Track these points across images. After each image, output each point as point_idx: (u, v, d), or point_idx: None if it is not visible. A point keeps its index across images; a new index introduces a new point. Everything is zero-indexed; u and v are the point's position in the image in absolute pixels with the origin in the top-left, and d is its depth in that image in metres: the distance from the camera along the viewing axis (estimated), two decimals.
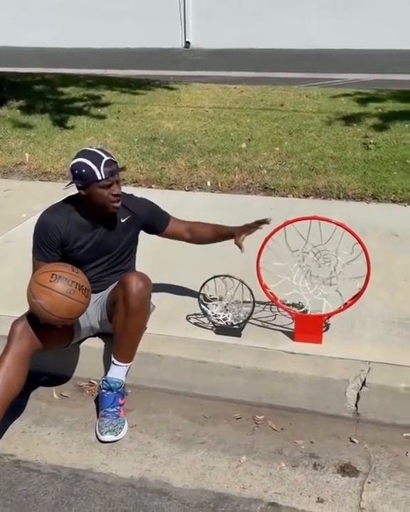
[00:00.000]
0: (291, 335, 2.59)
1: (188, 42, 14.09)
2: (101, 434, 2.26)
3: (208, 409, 2.44)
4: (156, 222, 2.58)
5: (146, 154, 5.13)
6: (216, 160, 4.95)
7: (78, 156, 2.30)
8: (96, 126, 5.97)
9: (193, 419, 2.40)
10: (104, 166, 2.24)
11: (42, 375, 2.63)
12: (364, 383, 2.31)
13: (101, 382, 2.34)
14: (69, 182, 2.36)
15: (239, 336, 2.59)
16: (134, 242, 2.56)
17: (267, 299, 2.61)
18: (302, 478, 2.11)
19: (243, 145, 5.25)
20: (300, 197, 4.34)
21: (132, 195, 2.55)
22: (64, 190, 2.44)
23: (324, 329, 2.58)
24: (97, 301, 2.54)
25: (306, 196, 4.36)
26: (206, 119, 6.13)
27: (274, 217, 3.65)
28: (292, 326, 2.60)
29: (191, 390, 2.50)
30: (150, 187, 4.63)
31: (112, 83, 7.84)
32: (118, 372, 2.31)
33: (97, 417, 2.35)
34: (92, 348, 2.60)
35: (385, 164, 4.79)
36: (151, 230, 2.58)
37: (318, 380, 2.37)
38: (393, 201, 4.25)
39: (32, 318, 2.28)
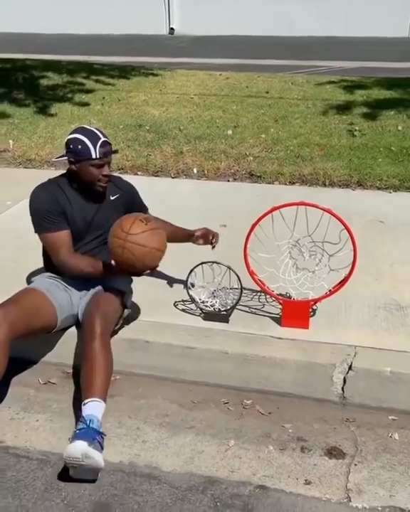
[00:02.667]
0: (278, 320, 2.60)
1: (172, 28, 13.97)
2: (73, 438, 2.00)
3: (196, 395, 2.45)
4: (138, 208, 2.58)
5: (132, 141, 5.15)
6: (202, 147, 4.97)
7: (76, 131, 2.33)
8: (81, 113, 5.95)
9: (181, 404, 2.40)
10: (100, 146, 2.28)
11: (29, 363, 2.62)
12: (350, 367, 2.33)
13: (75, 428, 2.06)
14: (61, 154, 2.38)
15: (227, 321, 2.60)
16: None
17: (255, 286, 2.61)
18: (289, 461, 2.13)
19: (229, 132, 5.32)
20: (286, 184, 4.35)
21: (120, 177, 2.59)
22: (54, 160, 2.42)
23: (311, 315, 2.60)
24: (84, 293, 2.53)
25: (292, 183, 4.37)
26: (192, 105, 6.13)
27: (260, 205, 3.66)
28: (280, 312, 2.61)
29: (180, 375, 2.50)
30: (136, 174, 4.61)
31: (95, 70, 7.80)
32: (93, 408, 2.07)
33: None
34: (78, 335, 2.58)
35: (370, 151, 4.82)
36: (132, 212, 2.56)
37: (305, 365, 2.38)
38: (379, 188, 4.28)
39: (10, 304, 2.27)
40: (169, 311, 2.66)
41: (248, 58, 10.08)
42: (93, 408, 2.08)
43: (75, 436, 1.99)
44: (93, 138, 2.29)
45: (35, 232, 2.41)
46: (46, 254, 2.54)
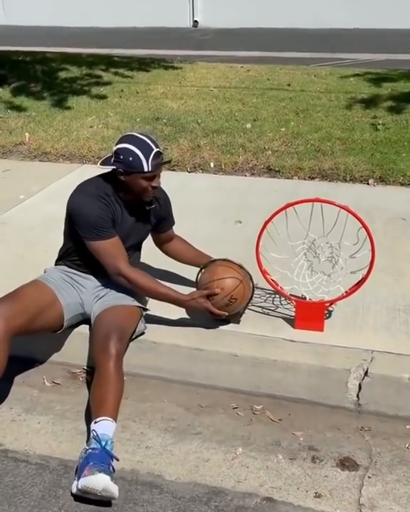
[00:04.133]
0: (291, 322, 2.53)
1: (196, 21, 13.85)
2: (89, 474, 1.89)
3: (204, 399, 2.38)
4: (168, 220, 2.60)
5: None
6: (220, 141, 4.89)
7: (127, 141, 2.25)
8: (98, 106, 5.89)
9: (188, 408, 2.34)
10: (153, 159, 2.22)
11: (34, 362, 2.57)
12: (366, 373, 2.25)
13: (86, 446, 2.00)
14: (108, 161, 2.31)
15: (238, 322, 2.54)
16: (149, 232, 2.57)
17: (268, 286, 2.55)
18: (299, 471, 2.04)
19: (248, 125, 5.18)
20: (305, 179, 4.26)
21: (160, 187, 2.50)
22: (100, 167, 2.36)
23: (326, 316, 2.52)
24: (97, 293, 2.47)
25: (312, 178, 4.28)
26: (211, 98, 6.05)
27: (278, 200, 3.57)
28: (293, 313, 2.54)
29: (187, 378, 2.44)
30: None
31: (115, 62, 7.72)
32: (106, 427, 2.01)
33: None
34: (86, 334, 2.52)
35: (394, 146, 4.68)
36: (158, 226, 2.58)
37: (319, 370, 2.31)
38: (402, 184, 4.14)
39: (11, 298, 2.21)
40: (177, 310, 2.58)
41: (272, 51, 9.94)
42: (106, 427, 2.02)
43: (94, 464, 1.90)
44: (146, 149, 2.22)
45: (88, 240, 2.32)
46: (68, 248, 2.48)
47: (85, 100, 6.04)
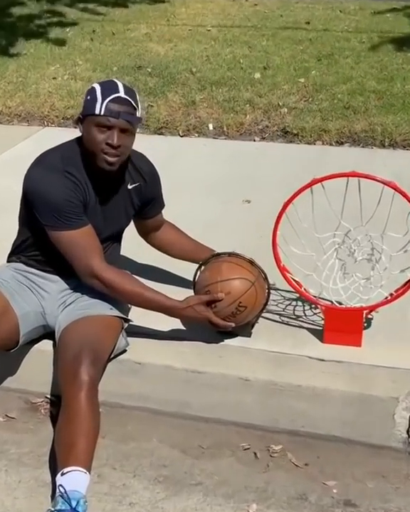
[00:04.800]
0: (319, 335, 2.48)
1: None
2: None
3: (205, 437, 2.33)
4: (156, 202, 2.58)
5: None
6: (221, 95, 4.92)
7: (98, 82, 2.30)
8: (63, 52, 5.91)
9: (185, 450, 2.27)
10: (113, 101, 2.16)
11: None
12: None
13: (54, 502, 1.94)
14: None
15: (249, 335, 2.50)
16: (131, 218, 2.54)
17: (287, 286, 2.49)
18: None
19: (257, 75, 5.24)
20: (331, 144, 4.31)
21: (144, 156, 2.51)
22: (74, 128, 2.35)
23: (364, 327, 2.47)
24: (64, 299, 2.41)
25: (340, 143, 4.33)
26: (208, 41, 6.10)
27: (296, 172, 3.48)
28: (321, 323, 2.51)
29: (183, 410, 2.39)
30: None
31: None
32: (77, 481, 1.94)
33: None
34: (50, 353, 2.46)
35: None
36: (144, 211, 2.56)
37: (356, 398, 2.25)
38: None
39: None
40: (168, 321, 2.50)
41: None
42: (77, 481, 1.93)
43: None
44: (108, 90, 2.18)
45: (51, 229, 2.27)
46: (25, 239, 2.43)
47: (46, 45, 6.05)
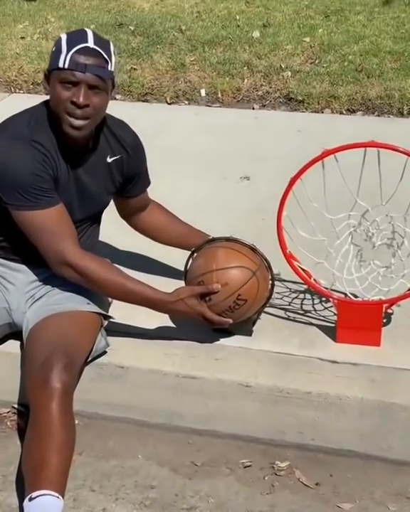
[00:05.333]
0: (332, 332, 2.46)
1: None
2: None
3: (200, 453, 2.30)
4: (141, 178, 2.55)
5: None
6: (215, 57, 4.93)
7: (66, 32, 2.29)
8: (32, 7, 5.93)
9: (175, 468, 2.24)
10: (79, 52, 2.10)
11: None
12: None
13: None
14: None
15: (249, 334, 2.48)
16: (111, 197, 2.52)
17: (295, 277, 2.47)
18: None
19: (256, 34, 5.21)
20: (341, 112, 4.36)
21: (126, 125, 2.47)
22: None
23: (383, 324, 2.45)
24: (33, 293, 2.37)
25: (351, 111, 4.37)
26: None
27: (302, 144, 3.43)
28: (334, 319, 2.49)
29: (174, 421, 2.38)
30: (114, 98, 4.51)
31: None
32: (48, 507, 1.91)
33: None
34: (16, 355, 2.42)
35: None
36: (126, 188, 2.53)
37: (375, 406, 2.22)
38: None
39: None
40: (157, 315, 2.48)
41: None
42: (48, 508, 1.89)
43: None
44: (75, 39, 2.13)
45: (16, 209, 2.23)
46: None
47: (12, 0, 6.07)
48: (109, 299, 2.46)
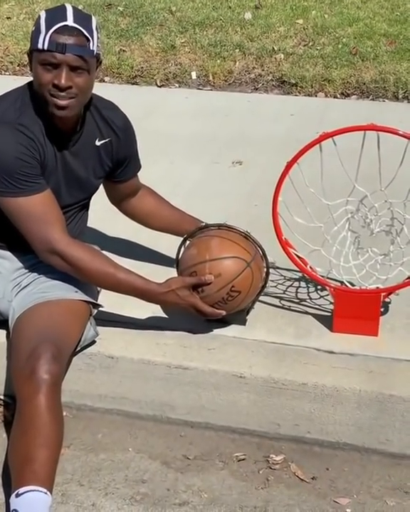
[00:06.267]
0: (328, 322, 2.43)
1: None
2: None
3: (192, 446, 2.27)
4: (131, 162, 2.49)
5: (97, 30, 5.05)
6: (206, 39, 4.97)
7: (46, 9, 2.23)
8: None
9: (167, 462, 2.21)
10: (58, 32, 2.05)
11: None
12: None
13: None
14: None
15: (243, 323, 2.45)
16: (100, 182, 2.48)
17: (290, 264, 2.45)
18: None
19: (248, 15, 5.29)
20: (336, 96, 4.47)
21: (115, 106, 2.43)
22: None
23: (381, 313, 2.44)
24: (19, 281, 2.34)
25: (346, 95, 4.41)
26: None
27: (296, 129, 3.38)
28: (330, 308, 2.46)
29: (166, 413, 2.35)
30: (102, 81, 4.59)
31: None
32: (36, 503, 1.88)
33: None
34: (1, 344, 2.38)
35: None
36: (116, 173, 2.49)
37: (373, 398, 2.20)
38: None
39: None
40: (147, 307, 2.46)
41: None
42: (36, 504, 1.85)
43: None
44: (54, 17, 2.08)
45: (1, 195, 2.20)
46: None
47: None
48: (98, 288, 2.43)
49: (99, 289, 2.42)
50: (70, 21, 2.05)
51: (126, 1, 5.48)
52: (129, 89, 4.43)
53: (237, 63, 4.61)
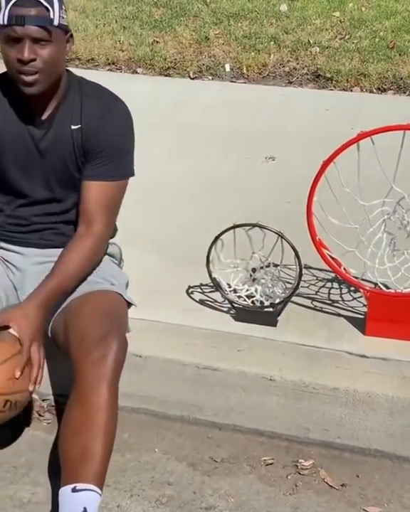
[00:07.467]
0: (361, 325, 2.38)
1: None
2: None
3: (219, 448, 2.24)
4: (98, 158, 2.18)
5: (130, 20, 5.17)
6: (240, 30, 4.93)
7: None
8: None
9: (194, 464, 2.18)
10: (17, 5, 1.98)
11: None
12: None
13: None
14: None
15: (274, 324, 2.41)
16: (76, 176, 2.24)
17: (323, 265, 2.39)
18: None
19: (283, 7, 5.25)
20: (372, 91, 4.33)
21: (103, 90, 2.25)
22: None
23: None
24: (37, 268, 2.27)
25: (382, 90, 4.34)
26: None
27: (331, 124, 3.33)
28: (362, 310, 2.43)
29: (193, 413, 2.33)
30: (134, 72, 4.57)
31: None
32: (92, 503, 1.85)
33: None
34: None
35: None
36: (83, 166, 2.25)
37: (407, 405, 2.16)
38: None
39: None
40: (178, 303, 2.47)
41: None
42: (92, 503, 1.82)
43: None
44: None
45: None
46: None
47: None
48: (128, 281, 2.38)
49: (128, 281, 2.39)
50: None
51: None
52: (161, 81, 4.40)
53: (271, 56, 4.57)
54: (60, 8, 2.01)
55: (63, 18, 2.02)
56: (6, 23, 1.97)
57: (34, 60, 1.99)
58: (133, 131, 2.22)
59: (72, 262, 2.10)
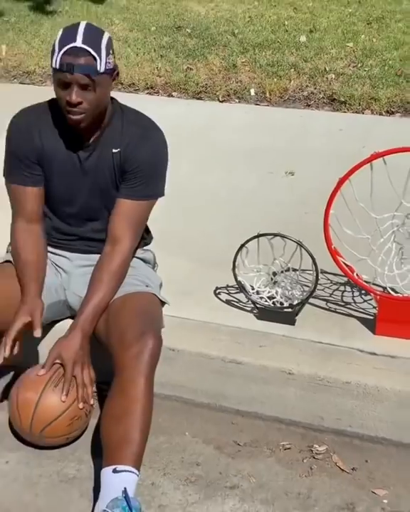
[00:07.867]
0: (371, 325, 2.33)
1: None
2: None
3: (242, 433, 2.18)
4: (132, 179, 2.14)
5: (167, 49, 5.09)
6: (264, 59, 4.84)
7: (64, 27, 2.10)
8: (99, 10, 5.88)
9: (220, 447, 2.12)
10: (67, 53, 1.94)
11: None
12: None
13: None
14: None
15: (293, 323, 2.36)
16: (113, 195, 2.19)
17: (338, 271, 2.34)
18: None
19: (303, 38, 5.15)
20: (381, 114, 4.20)
21: (142, 117, 2.20)
22: None
23: None
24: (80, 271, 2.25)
25: (390, 113, 4.21)
26: (251, 1, 6.06)
27: (345, 143, 3.28)
28: (373, 312, 2.37)
29: (219, 401, 2.28)
30: (170, 95, 4.50)
31: None
32: (132, 484, 1.82)
33: None
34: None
35: None
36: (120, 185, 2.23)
37: None
38: None
39: None
40: (206, 303, 2.42)
41: None
42: (131, 483, 1.80)
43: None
44: (66, 37, 1.96)
45: (3, 175, 2.22)
46: None
47: (83, 2, 6.01)
48: (161, 282, 2.34)
49: (161, 282, 2.35)
50: (78, 42, 1.93)
51: (193, 23, 5.39)
52: (194, 103, 4.32)
53: (292, 82, 4.49)
54: (107, 54, 1.95)
55: (110, 63, 1.97)
56: (57, 68, 1.95)
57: (81, 103, 1.97)
58: (167, 157, 2.17)
59: (103, 283, 2.08)
